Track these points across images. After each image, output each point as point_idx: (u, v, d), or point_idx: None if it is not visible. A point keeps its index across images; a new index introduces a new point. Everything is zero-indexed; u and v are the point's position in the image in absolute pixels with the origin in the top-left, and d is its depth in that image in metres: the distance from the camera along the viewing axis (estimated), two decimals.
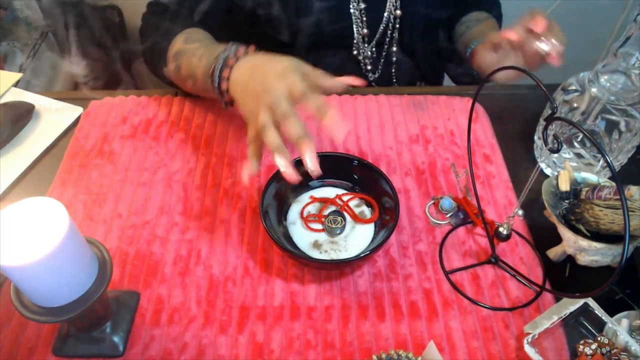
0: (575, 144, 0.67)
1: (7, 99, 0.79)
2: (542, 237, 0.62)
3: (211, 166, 0.69)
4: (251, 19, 0.79)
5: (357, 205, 0.63)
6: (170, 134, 0.74)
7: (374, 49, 0.85)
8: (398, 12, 0.81)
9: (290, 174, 0.49)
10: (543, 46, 0.65)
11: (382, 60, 0.87)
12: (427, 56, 0.89)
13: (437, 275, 0.58)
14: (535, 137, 0.72)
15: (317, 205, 0.63)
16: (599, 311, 0.52)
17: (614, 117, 0.62)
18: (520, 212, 0.56)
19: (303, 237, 0.60)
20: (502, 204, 0.66)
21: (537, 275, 0.59)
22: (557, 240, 0.58)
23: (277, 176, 0.61)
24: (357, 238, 0.60)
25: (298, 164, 0.62)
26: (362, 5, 0.79)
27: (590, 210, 0.55)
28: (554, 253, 0.59)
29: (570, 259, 0.59)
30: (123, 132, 0.74)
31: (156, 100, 0.78)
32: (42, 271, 0.40)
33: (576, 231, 0.56)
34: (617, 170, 0.66)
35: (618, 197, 0.54)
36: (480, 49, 0.76)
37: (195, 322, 0.54)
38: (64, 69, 1.50)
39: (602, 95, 0.62)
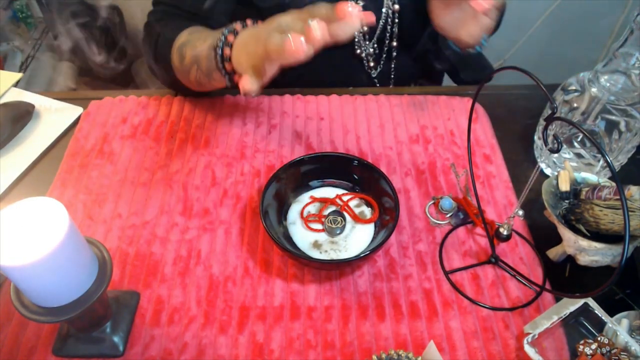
0: (575, 144, 0.67)
1: (7, 99, 0.79)
2: (542, 237, 0.62)
3: (211, 166, 0.69)
4: (253, 19, 0.79)
5: (357, 205, 0.63)
6: (170, 134, 0.74)
7: (375, 46, 0.85)
8: (396, 6, 0.81)
9: (300, 44, 0.46)
10: None
11: (384, 56, 0.87)
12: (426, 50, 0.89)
13: (437, 275, 0.58)
14: (535, 137, 0.72)
15: (317, 205, 0.63)
16: (599, 311, 0.52)
17: (614, 117, 0.62)
18: (521, 212, 0.56)
19: (303, 237, 0.60)
20: (502, 204, 0.66)
21: (537, 275, 0.59)
22: (557, 240, 0.58)
23: (277, 176, 0.61)
24: (357, 238, 0.60)
25: (298, 164, 0.63)
26: (361, 3, 0.79)
27: (590, 210, 0.55)
28: (554, 253, 0.59)
29: (570, 259, 0.59)
30: (123, 132, 0.74)
31: (156, 100, 0.78)
32: (42, 271, 0.40)
33: (576, 231, 0.56)
34: (617, 170, 0.66)
35: (618, 197, 0.54)
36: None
37: (195, 322, 0.54)
38: (63, 69, 1.50)
39: (602, 95, 0.62)
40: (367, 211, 0.63)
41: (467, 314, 0.55)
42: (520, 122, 0.77)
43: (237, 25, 0.59)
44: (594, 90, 0.62)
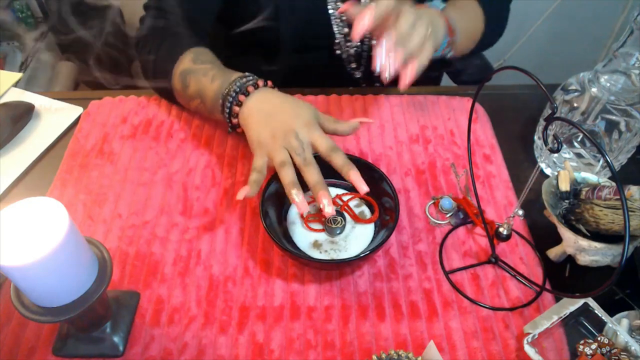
0: (575, 144, 0.67)
1: (7, 98, 0.79)
2: (542, 237, 0.62)
3: (211, 166, 0.69)
4: (236, 24, 0.79)
5: (357, 205, 0.63)
6: (170, 134, 0.74)
7: (356, 47, 0.84)
8: (373, 4, 0.79)
9: (304, 206, 0.54)
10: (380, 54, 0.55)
11: (365, 55, 0.85)
12: None
13: (437, 275, 0.58)
14: (535, 137, 0.72)
15: (317, 205, 0.63)
16: (599, 311, 0.52)
17: (614, 117, 0.62)
18: (520, 212, 0.56)
19: (303, 237, 0.60)
20: (502, 204, 0.66)
21: (537, 275, 0.59)
22: (557, 240, 0.58)
23: (277, 176, 0.61)
24: (357, 238, 0.60)
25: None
26: (340, 5, 0.78)
27: (590, 210, 0.55)
28: (554, 253, 0.59)
29: (570, 259, 0.59)
30: (123, 132, 0.74)
31: (156, 100, 0.78)
32: (42, 271, 0.40)
33: (576, 231, 0.56)
34: (617, 170, 0.66)
35: (618, 197, 0.54)
36: None
37: (195, 322, 0.54)
38: (63, 68, 1.50)
39: (602, 95, 0.62)
40: (367, 211, 0.63)
41: (467, 314, 0.55)
42: (520, 122, 0.77)
43: (250, 88, 0.62)
44: (594, 90, 0.62)
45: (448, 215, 0.64)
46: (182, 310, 0.55)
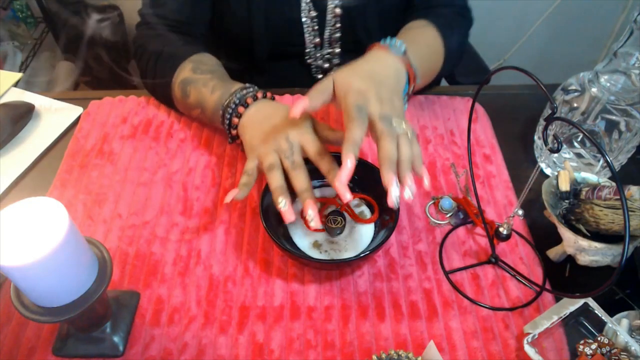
0: (575, 144, 0.67)
1: (7, 98, 0.79)
2: (542, 237, 0.62)
3: (211, 166, 0.69)
4: (216, 31, 0.79)
5: (357, 205, 0.63)
6: (170, 134, 0.74)
7: (327, 58, 0.83)
8: (337, 10, 0.77)
9: (290, 215, 0.53)
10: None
11: (335, 66, 0.85)
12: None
13: (437, 275, 0.58)
14: (535, 137, 0.72)
15: (317, 205, 0.63)
16: (599, 311, 0.52)
17: (614, 117, 0.62)
18: (520, 212, 0.56)
19: (303, 237, 0.60)
20: (502, 204, 0.66)
21: (537, 275, 0.59)
22: (557, 240, 0.58)
23: None
24: (357, 238, 0.60)
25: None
26: (313, 14, 0.78)
27: (590, 210, 0.55)
28: (554, 253, 0.59)
29: (570, 259, 0.59)
30: (123, 132, 0.74)
31: (156, 101, 0.78)
32: (42, 271, 0.40)
33: (576, 231, 0.56)
34: (617, 170, 0.66)
35: (618, 197, 0.54)
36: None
37: (195, 322, 0.54)
38: (63, 68, 1.50)
39: (602, 95, 0.62)
40: (367, 211, 0.62)
41: (467, 314, 0.55)
42: (520, 122, 0.77)
43: (249, 99, 0.63)
44: (594, 90, 0.62)
45: (448, 215, 0.64)
46: (182, 310, 0.55)
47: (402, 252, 0.60)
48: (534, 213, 0.63)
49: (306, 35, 0.79)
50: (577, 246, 0.55)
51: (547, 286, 0.58)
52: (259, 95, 0.64)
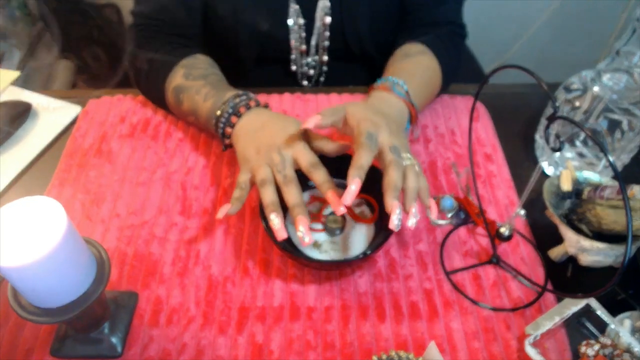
0: (577, 143, 0.66)
1: (4, 97, 0.79)
2: (543, 237, 0.61)
3: (210, 166, 0.69)
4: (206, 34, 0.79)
5: (357, 205, 0.63)
6: (168, 133, 0.73)
7: (313, 65, 0.83)
8: (328, 19, 0.77)
9: (282, 233, 0.52)
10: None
11: (320, 75, 0.85)
12: (364, 61, 0.84)
13: (437, 275, 0.58)
14: (537, 136, 0.71)
15: (317, 205, 0.63)
16: (601, 312, 0.52)
17: (616, 116, 0.62)
18: (522, 212, 0.56)
19: None
20: (504, 203, 0.65)
21: (539, 275, 0.58)
22: (559, 240, 0.58)
23: None
24: (357, 238, 0.59)
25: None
26: (302, 21, 0.77)
27: (592, 210, 0.55)
28: (555, 253, 0.59)
29: (572, 259, 0.59)
30: (121, 131, 0.74)
31: None
32: (40, 272, 0.39)
33: (578, 231, 0.55)
34: (619, 170, 0.66)
35: (620, 196, 0.54)
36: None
37: (194, 323, 0.54)
38: (61, 67, 1.49)
39: (605, 94, 0.61)
40: (367, 211, 0.62)
41: (468, 314, 0.55)
42: (521, 121, 0.77)
43: (242, 108, 0.62)
44: (596, 89, 0.62)
45: (449, 215, 0.64)
46: (180, 310, 0.55)
47: (402, 252, 0.60)
48: (535, 213, 0.63)
49: (292, 41, 0.78)
50: (579, 246, 0.55)
51: (549, 286, 0.58)
52: (252, 104, 0.63)
